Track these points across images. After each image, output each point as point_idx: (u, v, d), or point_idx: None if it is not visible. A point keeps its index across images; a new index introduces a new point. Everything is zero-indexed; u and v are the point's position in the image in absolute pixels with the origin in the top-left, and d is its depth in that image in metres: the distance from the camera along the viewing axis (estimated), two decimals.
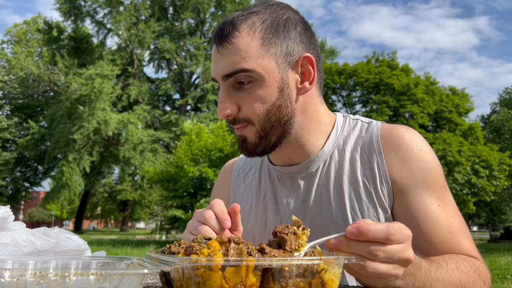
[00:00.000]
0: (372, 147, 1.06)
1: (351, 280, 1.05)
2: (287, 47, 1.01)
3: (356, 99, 23.72)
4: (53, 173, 30.32)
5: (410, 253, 0.70)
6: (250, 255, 0.63)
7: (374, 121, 1.11)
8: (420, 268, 0.80)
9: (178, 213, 14.44)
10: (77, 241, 0.86)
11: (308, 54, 1.03)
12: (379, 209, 1.02)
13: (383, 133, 1.06)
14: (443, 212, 0.99)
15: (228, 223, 0.86)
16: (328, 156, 1.08)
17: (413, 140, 1.03)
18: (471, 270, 0.91)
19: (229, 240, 0.64)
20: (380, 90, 21.87)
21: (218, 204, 0.88)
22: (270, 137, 1.02)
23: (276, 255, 0.63)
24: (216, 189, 1.35)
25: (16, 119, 29.12)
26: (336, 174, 1.07)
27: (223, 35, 0.99)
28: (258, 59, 0.98)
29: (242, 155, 1.31)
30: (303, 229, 0.71)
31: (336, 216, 1.04)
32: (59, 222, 52.71)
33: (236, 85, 0.99)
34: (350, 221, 1.02)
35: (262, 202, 1.17)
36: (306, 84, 1.04)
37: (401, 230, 0.69)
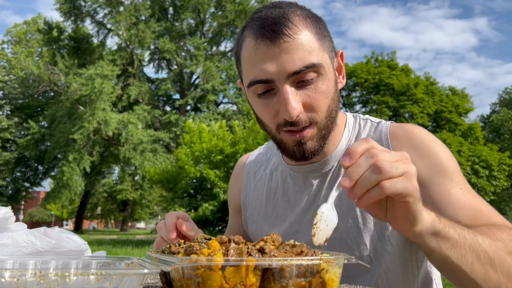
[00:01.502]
0: (381, 146, 1.05)
1: (357, 280, 1.04)
2: (330, 42, 1.02)
3: (356, 99, 23.73)
4: (53, 173, 30.31)
5: (399, 152, 0.74)
6: (250, 255, 0.63)
7: (384, 121, 1.12)
8: (453, 225, 0.81)
9: (177, 208, 14.43)
10: (77, 241, 0.86)
11: (341, 50, 1.07)
12: None
13: (392, 131, 1.07)
14: (466, 193, 0.98)
15: (171, 235, 0.96)
16: (341, 156, 1.07)
17: (422, 134, 1.04)
18: (508, 237, 0.86)
19: (229, 240, 0.64)
20: (379, 90, 21.87)
21: (168, 218, 1.00)
22: (328, 134, 1.01)
23: (276, 255, 0.63)
24: (230, 186, 1.38)
25: (16, 119, 29.09)
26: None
27: (281, 30, 0.92)
28: (320, 53, 0.96)
29: (255, 151, 1.34)
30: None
31: (346, 215, 1.04)
32: (59, 222, 52.70)
33: (297, 83, 0.94)
34: (360, 220, 1.02)
35: (272, 200, 1.18)
36: (341, 78, 1.06)
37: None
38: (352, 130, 1.12)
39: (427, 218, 0.77)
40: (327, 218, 0.73)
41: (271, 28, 0.92)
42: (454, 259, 0.80)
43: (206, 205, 13.66)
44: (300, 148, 0.98)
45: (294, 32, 0.93)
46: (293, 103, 0.92)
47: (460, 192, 0.97)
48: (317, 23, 0.99)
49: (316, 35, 0.96)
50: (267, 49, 0.93)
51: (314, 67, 0.93)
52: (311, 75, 0.94)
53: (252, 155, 1.33)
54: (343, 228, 1.04)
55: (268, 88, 0.96)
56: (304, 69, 0.92)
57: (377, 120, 1.14)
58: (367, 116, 1.16)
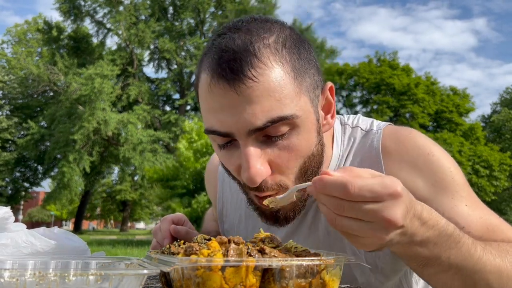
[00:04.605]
0: (372, 162, 0.91)
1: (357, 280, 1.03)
2: (313, 76, 0.80)
3: (357, 99, 23.75)
4: (53, 173, 30.33)
5: (390, 213, 0.59)
6: (250, 255, 0.63)
7: (375, 128, 0.96)
8: (460, 243, 0.69)
9: (175, 205, 14.47)
10: (76, 242, 0.85)
11: (330, 83, 0.86)
12: None
13: (384, 145, 0.91)
14: (474, 211, 0.85)
15: (166, 241, 0.91)
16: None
17: (418, 146, 0.89)
18: None
19: (229, 241, 0.64)
20: (380, 90, 21.89)
21: (163, 224, 0.96)
22: (304, 195, 0.84)
23: (276, 255, 0.63)
24: (207, 186, 1.28)
25: (16, 119, 29.09)
26: None
27: (241, 70, 0.71)
28: (294, 99, 0.74)
29: None
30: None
31: (333, 246, 0.94)
32: (58, 222, 52.66)
33: (263, 137, 0.76)
34: (348, 252, 0.92)
35: (252, 218, 1.06)
36: (329, 118, 0.87)
37: (373, 187, 0.59)
38: (341, 144, 0.96)
39: (397, 250, 0.68)
40: (275, 206, 0.76)
41: (230, 66, 0.72)
42: (439, 284, 0.73)
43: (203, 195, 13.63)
44: (272, 213, 0.83)
45: (260, 73, 0.72)
46: (255, 167, 0.74)
47: (466, 209, 0.85)
48: (298, 49, 0.78)
49: (293, 72, 0.75)
50: (223, 92, 0.73)
51: (284, 120, 0.73)
52: (282, 129, 0.74)
53: None
54: None
55: (229, 140, 0.78)
56: (270, 124, 0.72)
57: (368, 127, 0.97)
58: (356, 120, 1.00)
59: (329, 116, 0.87)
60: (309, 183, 0.67)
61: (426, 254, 0.67)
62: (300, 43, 0.80)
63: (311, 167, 0.81)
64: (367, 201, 0.59)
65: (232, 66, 0.72)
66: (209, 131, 0.79)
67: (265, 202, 0.75)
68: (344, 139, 0.97)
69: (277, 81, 0.73)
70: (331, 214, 0.62)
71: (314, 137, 0.80)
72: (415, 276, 1.03)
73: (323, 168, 0.91)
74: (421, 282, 1.05)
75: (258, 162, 0.74)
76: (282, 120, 0.73)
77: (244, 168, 0.75)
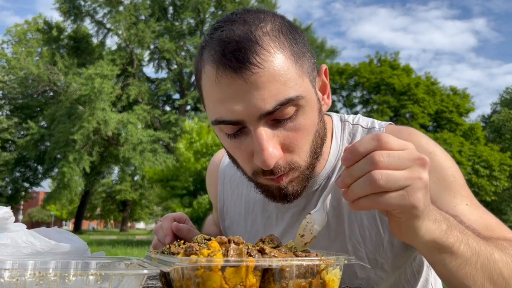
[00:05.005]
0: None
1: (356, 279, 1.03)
2: (310, 58, 0.84)
3: (357, 100, 23.74)
4: (52, 174, 30.32)
5: (418, 153, 0.63)
6: (250, 255, 0.63)
7: (377, 126, 0.98)
8: (466, 229, 0.72)
9: (175, 206, 14.48)
10: (76, 242, 0.85)
11: (325, 66, 0.91)
12: (382, 233, 0.92)
13: None
14: (474, 210, 0.87)
15: (168, 239, 0.93)
16: (330, 173, 0.96)
17: (420, 145, 0.89)
18: None
19: (229, 241, 0.64)
20: (380, 90, 21.90)
21: (165, 221, 0.97)
22: (312, 172, 0.87)
23: (276, 255, 0.63)
24: (208, 187, 1.28)
25: (15, 119, 29.09)
26: (335, 194, 0.95)
27: (247, 58, 0.74)
28: (298, 80, 0.78)
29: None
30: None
31: (334, 241, 0.95)
32: (58, 222, 52.63)
33: (271, 121, 0.78)
34: (349, 247, 0.94)
35: (252, 214, 1.08)
36: (325, 98, 0.91)
37: (395, 138, 0.63)
38: (340, 140, 0.98)
39: (431, 231, 0.68)
40: (312, 228, 0.72)
41: (235, 56, 0.74)
42: (461, 277, 0.71)
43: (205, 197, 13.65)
44: (281, 191, 0.85)
45: (265, 59, 0.75)
46: (269, 149, 0.76)
47: (467, 208, 0.87)
48: (293, 35, 0.81)
49: (293, 56, 0.79)
50: (231, 82, 0.75)
51: (291, 102, 0.77)
52: (289, 111, 0.78)
53: (226, 156, 1.15)
54: None
55: (238, 128, 0.80)
56: (279, 107, 0.76)
57: (369, 124, 0.99)
58: (357, 118, 1.02)
59: (325, 96, 0.91)
60: (332, 185, 0.71)
61: (450, 241, 0.69)
62: (293, 29, 0.83)
63: (318, 144, 0.86)
64: (397, 149, 0.62)
65: (237, 55, 0.74)
66: (218, 122, 0.80)
67: (301, 230, 0.72)
68: (344, 135, 0.99)
69: (280, 66, 0.76)
70: (374, 174, 0.61)
71: (316, 116, 0.84)
72: (414, 274, 1.04)
73: (321, 165, 0.95)
74: (421, 280, 1.05)
75: (270, 145, 0.77)
76: (289, 102, 0.76)
77: (257, 152, 0.78)
